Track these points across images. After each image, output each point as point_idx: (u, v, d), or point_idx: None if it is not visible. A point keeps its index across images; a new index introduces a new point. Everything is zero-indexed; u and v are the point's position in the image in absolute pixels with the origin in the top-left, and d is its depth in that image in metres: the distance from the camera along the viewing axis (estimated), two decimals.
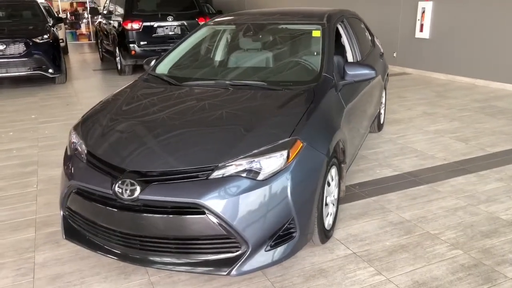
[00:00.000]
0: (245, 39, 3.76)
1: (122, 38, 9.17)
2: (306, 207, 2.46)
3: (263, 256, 2.33)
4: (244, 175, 2.29)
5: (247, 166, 2.31)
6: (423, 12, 8.71)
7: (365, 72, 3.16)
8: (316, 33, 3.48)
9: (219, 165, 2.31)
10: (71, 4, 19.56)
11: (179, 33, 9.36)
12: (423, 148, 4.71)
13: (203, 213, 2.23)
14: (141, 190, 2.27)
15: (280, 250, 2.38)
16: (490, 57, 7.72)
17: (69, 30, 18.44)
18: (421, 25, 8.80)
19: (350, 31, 3.98)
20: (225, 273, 2.28)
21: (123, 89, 3.35)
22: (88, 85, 9.01)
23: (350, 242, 2.94)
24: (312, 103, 2.77)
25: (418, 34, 8.93)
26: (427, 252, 2.81)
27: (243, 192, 2.26)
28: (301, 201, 2.41)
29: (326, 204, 2.78)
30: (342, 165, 3.09)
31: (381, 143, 4.90)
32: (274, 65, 3.49)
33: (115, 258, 2.46)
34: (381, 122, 5.27)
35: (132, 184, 2.29)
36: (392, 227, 3.13)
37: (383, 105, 5.20)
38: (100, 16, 11.86)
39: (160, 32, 9.23)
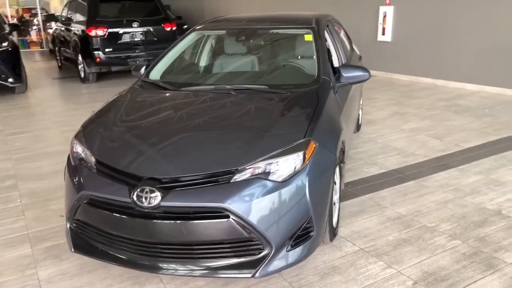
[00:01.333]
0: (238, 44, 3.79)
1: (86, 45, 8.91)
2: (321, 206, 2.52)
3: (285, 257, 2.36)
4: (264, 177, 2.32)
5: (266, 168, 2.34)
6: (385, 16, 9.07)
7: (360, 74, 3.27)
8: (308, 37, 3.57)
9: (239, 168, 2.32)
10: (17, 10, 18.71)
11: (145, 39, 9.22)
12: (403, 146, 4.91)
13: (227, 217, 2.23)
14: (162, 197, 2.24)
15: (299, 250, 2.42)
16: (449, 59, 8.15)
17: (19, 38, 17.61)
18: (383, 29, 9.16)
19: (334, 35, 4.10)
20: (249, 276, 2.29)
21: (120, 97, 3.28)
22: (51, 94, 8.67)
23: (355, 239, 3.03)
24: (317, 104, 2.84)
25: (380, 38, 9.29)
26: (429, 244, 2.95)
27: (265, 194, 2.28)
28: (317, 200, 2.46)
29: (334, 203, 2.86)
30: (342, 164, 3.18)
31: (362, 143, 5.06)
32: (271, 69, 3.54)
33: (133, 268, 2.41)
34: (359, 122, 5.44)
35: (152, 192, 2.26)
36: (391, 222, 3.25)
37: (360, 106, 5.38)
38: (56, 23, 11.45)
39: (126, 38, 9.04)
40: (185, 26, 13.58)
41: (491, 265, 2.70)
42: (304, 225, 2.42)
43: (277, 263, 2.34)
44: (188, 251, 2.32)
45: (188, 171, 2.33)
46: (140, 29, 9.13)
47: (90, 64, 9.01)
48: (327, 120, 2.78)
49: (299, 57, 3.61)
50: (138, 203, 2.26)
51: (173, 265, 2.34)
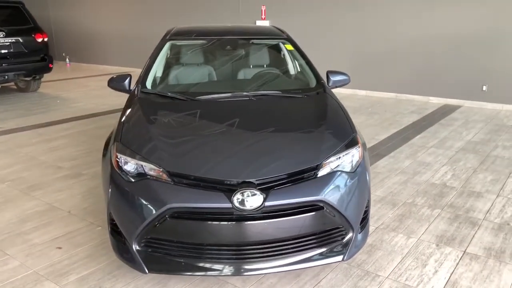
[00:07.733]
0: (227, 54, 3.86)
1: None
2: (369, 190, 2.89)
3: (360, 239, 2.66)
4: (340, 169, 2.58)
5: (339, 161, 2.60)
6: None
7: (344, 78, 3.75)
8: (289, 46, 3.89)
9: (319, 164, 2.53)
10: None
11: (14, 51, 8.12)
12: None
13: (322, 208, 2.43)
14: (265, 198, 2.31)
15: (365, 231, 2.74)
16: (323, 65, 9.31)
17: None
18: None
19: None
20: (341, 259, 2.52)
21: (140, 107, 3.03)
22: None
23: None
24: (339, 104, 3.20)
25: None
26: (420, 216, 3.57)
27: (345, 184, 2.54)
28: (370, 185, 2.82)
29: None
30: None
31: None
32: (269, 76, 3.72)
33: (228, 275, 2.39)
34: None
35: (253, 194, 2.30)
36: (380, 203, 3.79)
37: None
38: None
39: None
40: None
41: (473, 222, 3.45)
42: (365, 208, 2.75)
43: (357, 246, 2.62)
44: (286, 246, 2.43)
45: (279, 171, 2.44)
46: (8, 40, 8.01)
47: None
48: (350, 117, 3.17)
49: (289, 64, 3.90)
50: (240, 206, 2.29)
51: (269, 264, 2.42)
